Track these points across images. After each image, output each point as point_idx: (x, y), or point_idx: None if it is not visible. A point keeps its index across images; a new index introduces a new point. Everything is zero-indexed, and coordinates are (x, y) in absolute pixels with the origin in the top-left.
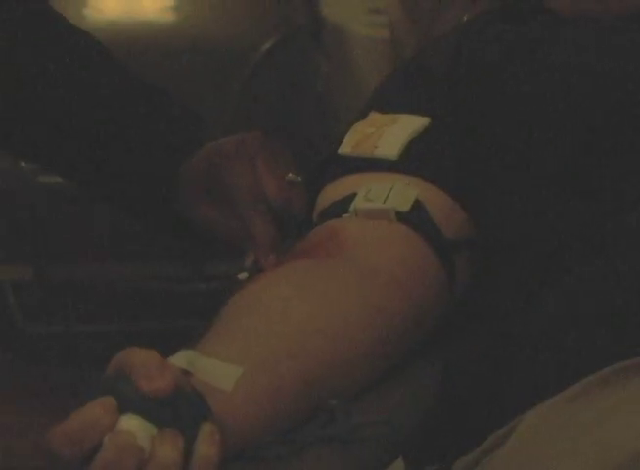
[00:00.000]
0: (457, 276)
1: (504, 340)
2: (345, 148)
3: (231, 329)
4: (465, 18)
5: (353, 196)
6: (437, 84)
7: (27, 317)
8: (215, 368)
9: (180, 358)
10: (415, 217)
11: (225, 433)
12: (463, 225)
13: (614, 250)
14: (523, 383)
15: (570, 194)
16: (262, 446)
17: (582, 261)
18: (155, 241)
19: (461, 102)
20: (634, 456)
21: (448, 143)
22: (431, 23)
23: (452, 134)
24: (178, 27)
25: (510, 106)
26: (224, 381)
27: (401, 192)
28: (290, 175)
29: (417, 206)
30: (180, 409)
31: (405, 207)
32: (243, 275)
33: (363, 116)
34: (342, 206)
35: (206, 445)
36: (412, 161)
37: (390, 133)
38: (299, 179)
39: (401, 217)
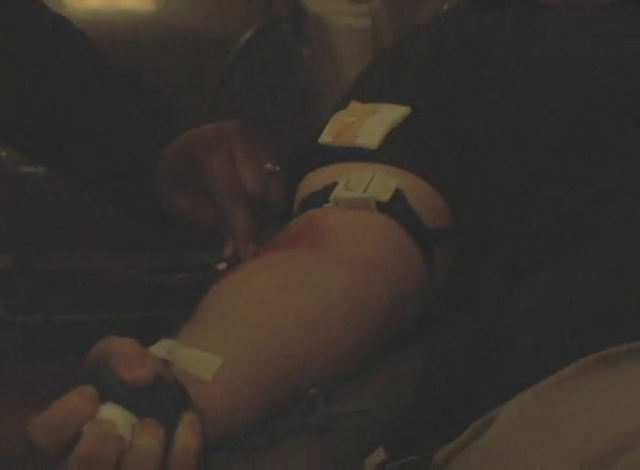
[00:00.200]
0: (437, 265)
1: (484, 329)
2: (326, 137)
3: (211, 319)
4: (445, 7)
5: (334, 185)
6: (418, 73)
7: (9, 307)
8: (195, 358)
9: (160, 348)
10: (395, 207)
11: (205, 423)
12: (443, 215)
13: (596, 240)
14: (503, 372)
15: (552, 184)
16: (243, 436)
17: (564, 252)
18: (135, 231)
19: (442, 91)
20: (615, 445)
21: (429, 132)
22: (411, 12)
23: (433, 123)
24: (158, 16)
25: (491, 95)
26: (204, 371)
27: (382, 181)
28: (268, 165)
29: (397, 195)
30: (160, 399)
31: (385, 196)
32: (222, 265)
33: (344, 105)
34: (322, 195)
35: (187, 434)
36: (392, 150)
37: (371, 123)
38: (278, 169)
39: (382, 207)
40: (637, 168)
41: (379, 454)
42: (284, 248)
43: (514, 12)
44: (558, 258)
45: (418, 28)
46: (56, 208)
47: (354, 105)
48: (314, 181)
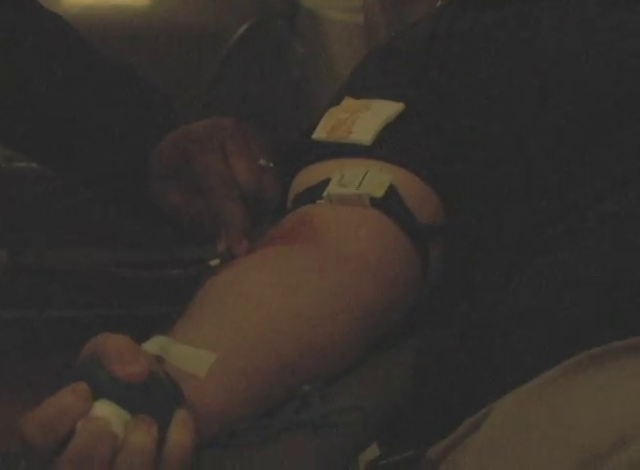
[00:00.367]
0: (431, 262)
1: (478, 326)
2: (320, 133)
3: (204, 315)
4: (439, 4)
5: (327, 181)
6: (412, 70)
7: (2, 303)
8: (189, 354)
9: (153, 344)
10: (389, 203)
11: (199, 419)
12: (437, 211)
13: (594, 236)
14: (498, 368)
15: (549, 180)
16: (236, 433)
17: (561, 247)
18: (128, 226)
19: (435, 87)
20: (612, 442)
21: (423, 129)
22: (405, 8)
23: (427, 120)
24: (152, 12)
25: (485, 91)
26: (197, 367)
27: (375, 178)
28: (261, 161)
29: (391, 191)
30: (154, 395)
31: (379, 192)
32: (215, 262)
33: (338, 101)
34: (315, 191)
35: (180, 431)
36: (386, 146)
37: (365, 119)
38: (271, 165)
39: (375, 203)
40: (636, 164)
41: (372, 451)
42: (277, 244)
43: (511, 9)
44: (555, 253)
45: (412, 25)
46: (49, 203)
47: (348, 101)
48: (308, 177)
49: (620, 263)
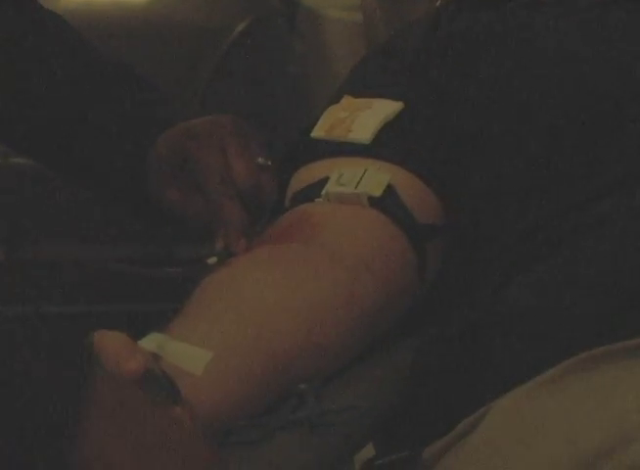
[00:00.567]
0: (429, 261)
1: (476, 326)
2: (319, 132)
3: (201, 313)
4: (438, 2)
5: (326, 180)
6: (411, 69)
7: None
8: (185, 352)
9: (150, 342)
10: (387, 202)
11: (195, 417)
12: (435, 210)
13: (589, 237)
14: (495, 369)
15: (543, 180)
16: (232, 431)
17: (556, 248)
18: (126, 223)
19: (435, 86)
20: (607, 444)
21: (422, 128)
22: (403, 7)
23: (425, 119)
24: (151, 8)
25: (484, 90)
26: (194, 365)
27: (374, 177)
28: (260, 159)
29: (389, 190)
30: (150, 393)
31: (377, 191)
32: (212, 260)
33: (337, 99)
34: (314, 190)
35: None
36: (385, 145)
37: (364, 118)
38: (269, 163)
39: (373, 202)
40: (635, 164)
41: (368, 451)
42: (275, 242)
43: (510, 8)
44: (553, 253)
45: (411, 24)
46: (47, 199)
47: (347, 99)
48: (306, 176)
49: (620, 264)
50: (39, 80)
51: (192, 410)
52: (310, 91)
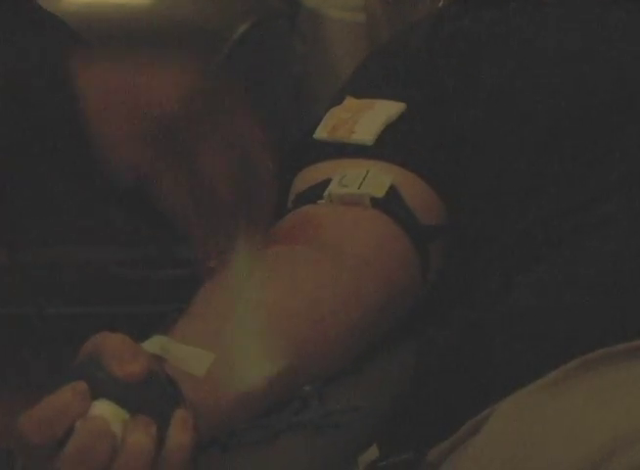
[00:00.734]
0: (431, 262)
1: (479, 326)
2: (321, 133)
3: (204, 315)
4: (441, 2)
5: (328, 181)
6: (413, 69)
7: (0, 300)
8: (188, 354)
9: (153, 344)
10: (390, 203)
11: (198, 419)
12: (438, 211)
13: (591, 238)
14: (498, 370)
15: (550, 180)
16: (235, 433)
17: (557, 248)
18: (126, 224)
19: (437, 87)
20: (609, 446)
21: (424, 129)
22: (406, 7)
23: (428, 120)
24: (153, 9)
25: (487, 91)
26: (197, 367)
27: (376, 178)
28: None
29: (392, 191)
30: (153, 395)
31: (380, 192)
32: (214, 262)
33: (339, 100)
34: (316, 191)
35: (179, 431)
36: (387, 146)
37: (367, 119)
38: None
39: (376, 203)
40: (636, 164)
41: (372, 452)
42: (277, 244)
43: (513, 8)
44: (554, 253)
45: (414, 24)
46: (48, 201)
47: (350, 100)
48: (309, 177)
49: (622, 264)
50: (39, 82)
51: (195, 412)
52: (312, 92)
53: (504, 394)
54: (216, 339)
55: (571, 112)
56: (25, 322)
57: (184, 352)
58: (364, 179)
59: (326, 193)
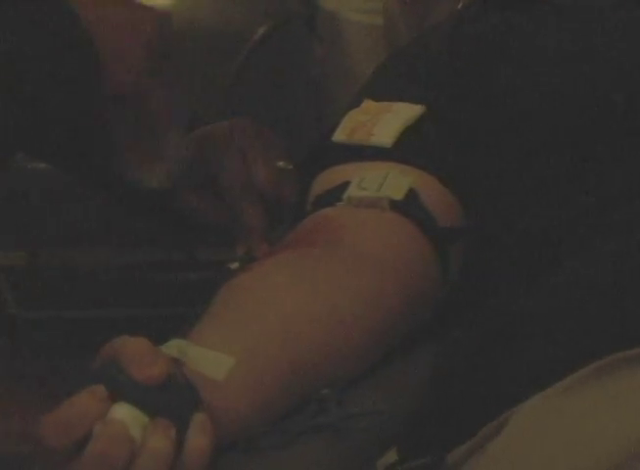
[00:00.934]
0: (450, 265)
1: (498, 329)
2: (340, 136)
3: (223, 318)
4: (460, 5)
5: (347, 184)
6: (432, 72)
7: (20, 303)
8: (207, 358)
9: (171, 347)
10: (409, 206)
11: (217, 423)
12: (457, 214)
13: (611, 242)
14: (517, 373)
15: (567, 182)
16: (254, 436)
17: (578, 251)
18: (148, 227)
19: (456, 90)
20: (629, 450)
21: (443, 131)
22: (425, 10)
23: (447, 122)
24: (173, 11)
25: (505, 94)
26: (216, 370)
27: (395, 180)
28: (280, 163)
29: (411, 194)
30: (172, 398)
31: (399, 195)
32: (235, 265)
33: (357, 103)
34: (335, 194)
35: (199, 435)
36: (406, 149)
37: (385, 121)
38: (290, 167)
39: (395, 206)
40: None
41: (391, 456)
42: (297, 247)
43: (532, 10)
44: (574, 256)
45: (432, 27)
46: (68, 205)
47: (368, 103)
48: (327, 180)
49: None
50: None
51: (214, 416)
52: (331, 94)
53: (523, 397)
54: (236, 342)
55: (592, 116)
56: (45, 325)
57: (203, 356)
58: (383, 182)
59: (345, 196)
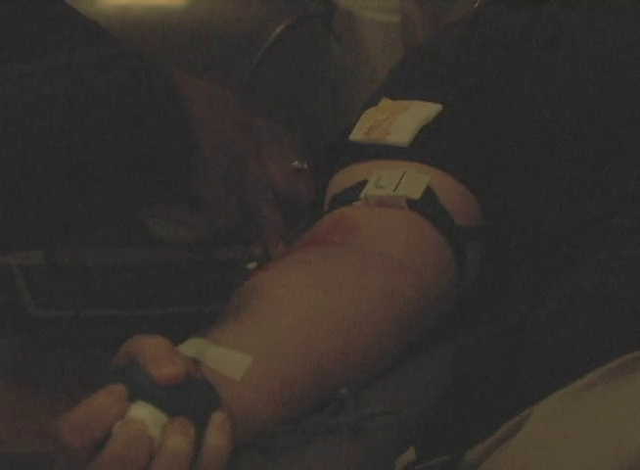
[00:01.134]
0: (468, 263)
1: (516, 328)
2: (357, 135)
3: (241, 317)
4: (476, 4)
5: (364, 183)
6: (449, 71)
7: (37, 302)
8: (225, 357)
9: (189, 347)
10: (426, 205)
11: (235, 422)
12: (474, 212)
13: (628, 238)
14: (535, 371)
15: (583, 180)
16: (272, 435)
17: (597, 249)
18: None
19: (473, 88)
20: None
21: (460, 130)
22: (442, 9)
23: (464, 121)
24: (188, 12)
25: (522, 93)
26: (234, 370)
27: (413, 179)
28: (296, 162)
29: (428, 193)
30: (191, 398)
31: (416, 194)
32: (252, 265)
33: (375, 102)
34: (353, 193)
35: (217, 434)
36: (424, 147)
37: (402, 120)
38: (306, 166)
39: (412, 205)
40: None
41: (409, 455)
42: (314, 246)
43: (548, 10)
44: (595, 254)
45: (449, 26)
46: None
47: (385, 102)
48: (345, 179)
49: None
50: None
51: (232, 415)
52: (348, 93)
53: (541, 396)
54: (253, 342)
55: (608, 115)
56: (62, 324)
57: (221, 355)
58: (400, 181)
59: (362, 195)
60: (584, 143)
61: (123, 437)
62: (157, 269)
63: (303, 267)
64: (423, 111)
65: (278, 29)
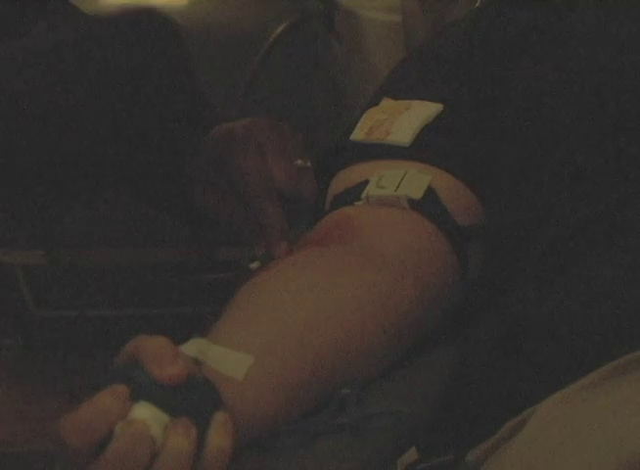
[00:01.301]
0: (469, 263)
1: (518, 327)
2: (358, 134)
3: (243, 317)
4: (477, 3)
5: (366, 183)
6: (450, 70)
7: (39, 302)
8: (226, 357)
9: (191, 347)
10: (427, 205)
11: (236, 422)
12: (475, 212)
13: (630, 238)
14: (536, 371)
15: (585, 180)
16: (274, 436)
17: (599, 248)
18: (166, 226)
19: (474, 88)
20: None
21: (461, 129)
22: (443, 8)
23: (465, 120)
24: (188, 12)
25: (524, 92)
26: (235, 370)
27: (414, 179)
28: (299, 161)
29: (429, 193)
30: (193, 398)
31: (418, 194)
32: (255, 264)
33: (376, 102)
34: (354, 193)
35: (219, 434)
36: (425, 147)
37: (404, 120)
38: (309, 165)
39: (414, 204)
40: None
41: (411, 454)
42: (316, 246)
43: (548, 9)
44: (598, 253)
45: (450, 25)
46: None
47: (387, 102)
48: (346, 179)
49: None
50: (85, 79)
51: (233, 415)
52: (349, 92)
53: (543, 395)
54: (255, 341)
55: (610, 114)
56: (63, 325)
57: (222, 355)
58: (402, 181)
59: (363, 194)
60: (585, 142)
61: (125, 437)
62: (158, 269)
63: (305, 267)
64: (424, 110)
65: (278, 29)
